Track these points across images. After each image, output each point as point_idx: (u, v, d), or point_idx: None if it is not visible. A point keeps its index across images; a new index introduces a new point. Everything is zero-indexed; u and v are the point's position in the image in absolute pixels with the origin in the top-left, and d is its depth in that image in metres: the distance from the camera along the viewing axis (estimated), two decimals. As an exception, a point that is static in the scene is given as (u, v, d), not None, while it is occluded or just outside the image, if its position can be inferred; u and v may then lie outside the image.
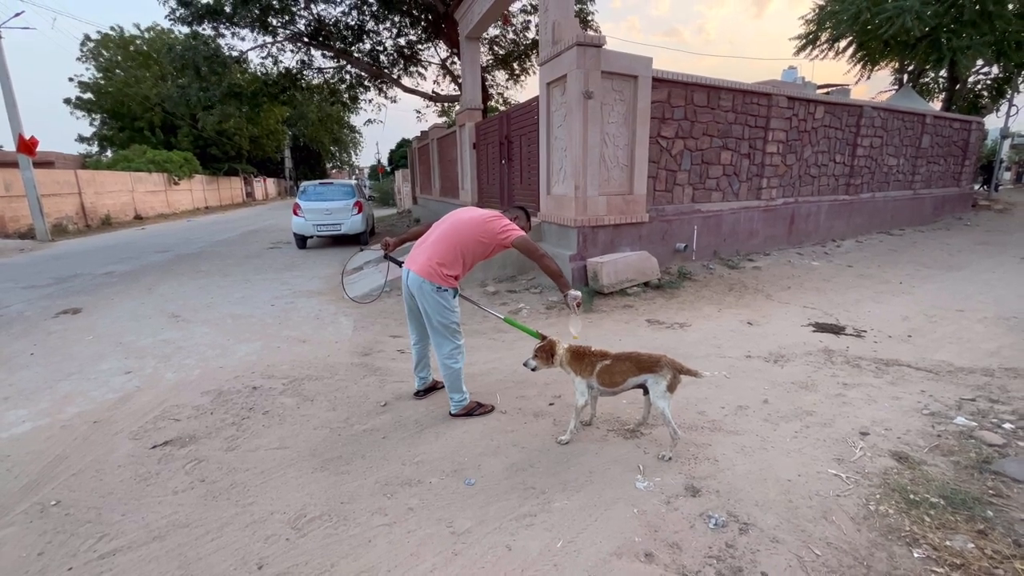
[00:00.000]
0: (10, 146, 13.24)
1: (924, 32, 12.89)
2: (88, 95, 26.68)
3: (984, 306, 5.15)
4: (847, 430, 2.72)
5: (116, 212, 17.71)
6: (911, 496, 2.12)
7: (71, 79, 26.51)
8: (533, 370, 2.69)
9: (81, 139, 28.50)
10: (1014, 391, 3.13)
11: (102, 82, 26.43)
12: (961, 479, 2.23)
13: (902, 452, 2.47)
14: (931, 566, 1.75)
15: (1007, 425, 2.67)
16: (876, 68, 16.76)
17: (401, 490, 2.31)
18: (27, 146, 12.16)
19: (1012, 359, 3.72)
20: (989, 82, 18.03)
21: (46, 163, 17.66)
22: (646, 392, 2.52)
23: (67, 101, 26.86)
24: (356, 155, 52.25)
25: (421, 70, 16.34)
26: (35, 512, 2.22)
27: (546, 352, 2.65)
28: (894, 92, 16.62)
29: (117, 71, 26.58)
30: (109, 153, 25.96)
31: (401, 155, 35.83)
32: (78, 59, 26.63)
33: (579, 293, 2.83)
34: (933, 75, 17.74)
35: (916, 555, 1.81)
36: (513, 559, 1.87)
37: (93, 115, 27.46)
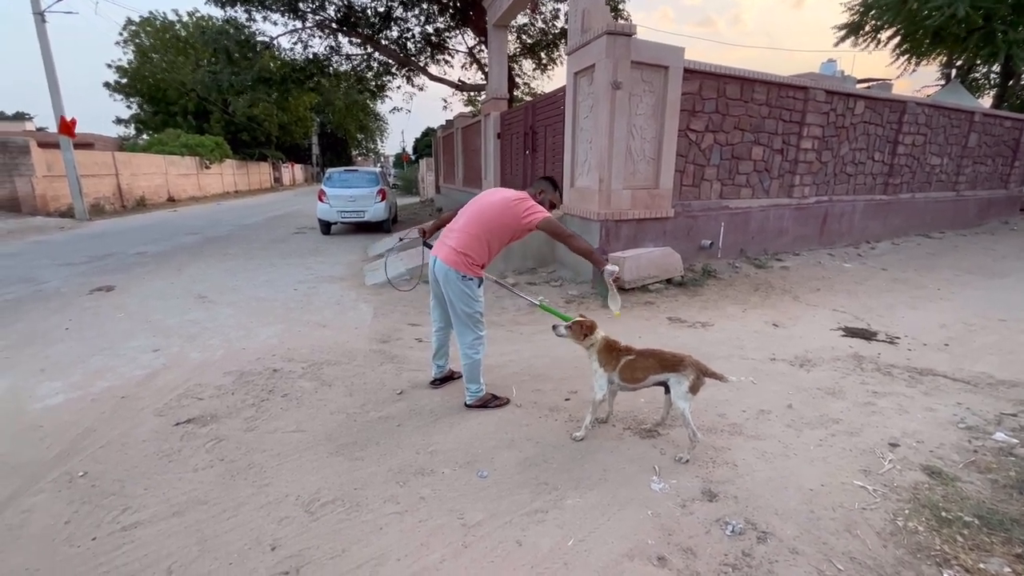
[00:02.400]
0: (54, 128, 13.73)
1: (977, 23, 12.18)
2: (125, 80, 27.50)
3: (1029, 316, 4.88)
4: (876, 440, 2.61)
5: (150, 194, 18.26)
6: (943, 514, 2.02)
7: (108, 65, 27.38)
8: (559, 336, 2.64)
9: (118, 120, 29.48)
10: (1060, 407, 2.95)
11: (139, 67, 27.18)
12: (999, 498, 2.11)
13: (935, 467, 2.36)
14: (962, 589, 1.67)
15: (1051, 443, 2.52)
16: (922, 62, 15.96)
17: (414, 479, 2.31)
18: (68, 128, 12.59)
19: (1058, 373, 3.51)
20: (1046, 78, 16.97)
21: (86, 145, 18.30)
22: (667, 391, 2.47)
23: (106, 85, 27.77)
24: (382, 143, 52.75)
25: (448, 58, 16.28)
26: (64, 481, 2.30)
27: (584, 329, 2.58)
28: (940, 88, 15.83)
29: (154, 56, 27.29)
30: (145, 136, 26.77)
31: (426, 144, 35.93)
32: (116, 43, 27.46)
33: (616, 268, 2.73)
34: (985, 70, 16.80)
35: (946, 576, 1.72)
36: (523, 555, 1.85)
37: (130, 99, 28.33)
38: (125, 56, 27.59)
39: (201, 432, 2.73)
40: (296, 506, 2.12)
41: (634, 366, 2.47)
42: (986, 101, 16.37)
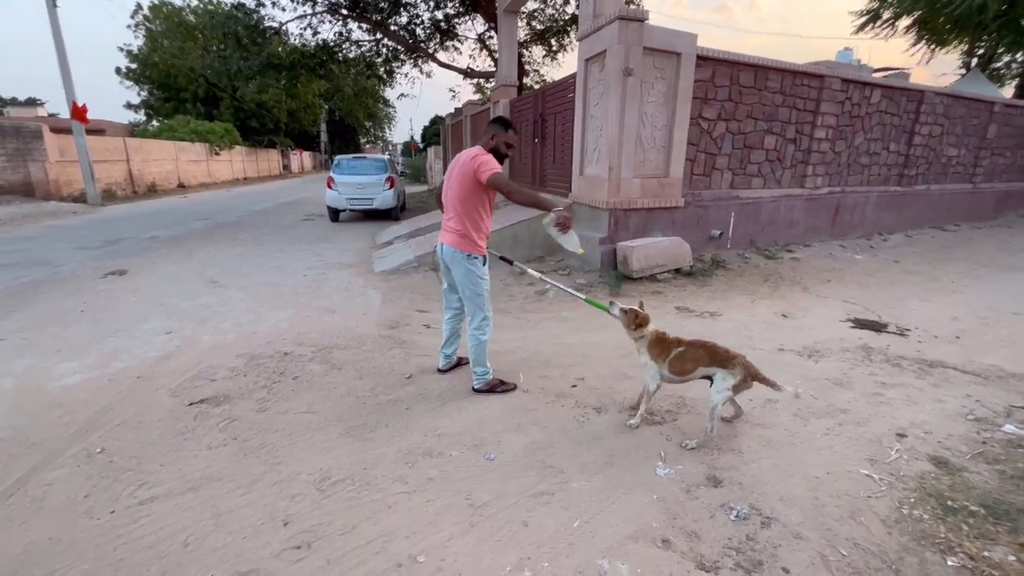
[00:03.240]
0: (66, 114, 13.83)
1: (1000, 10, 11.84)
2: (135, 65, 27.57)
3: (1044, 310, 4.81)
4: (883, 430, 2.61)
5: (161, 180, 18.40)
6: (949, 503, 2.03)
7: (120, 48, 27.44)
8: (613, 316, 2.64)
9: (129, 106, 29.61)
10: (1072, 401, 2.93)
11: (149, 53, 27.23)
12: (1006, 489, 2.11)
13: (942, 457, 2.36)
14: (966, 576, 1.68)
15: (1061, 436, 2.51)
16: (942, 50, 15.57)
17: (422, 460, 2.35)
18: (80, 113, 12.68)
19: (1072, 367, 3.47)
20: (1071, 68, 16.50)
21: (98, 130, 18.44)
22: (712, 384, 2.45)
23: (117, 71, 27.87)
24: (390, 131, 52.57)
25: (457, 44, 16.14)
26: (82, 457, 2.36)
27: (636, 319, 2.55)
28: (960, 77, 15.45)
29: (164, 41, 27.31)
30: (155, 123, 26.90)
31: (434, 132, 35.76)
32: (127, 27, 27.48)
33: (560, 209, 2.60)
34: (1007, 59, 16.35)
35: (950, 563, 1.73)
36: (529, 534, 1.89)
37: (141, 85, 28.43)
38: (136, 41, 27.66)
39: (214, 412, 2.79)
40: (308, 484, 2.17)
41: (684, 357, 2.45)
42: (1008, 91, 15.96)
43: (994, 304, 5.02)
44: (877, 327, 4.32)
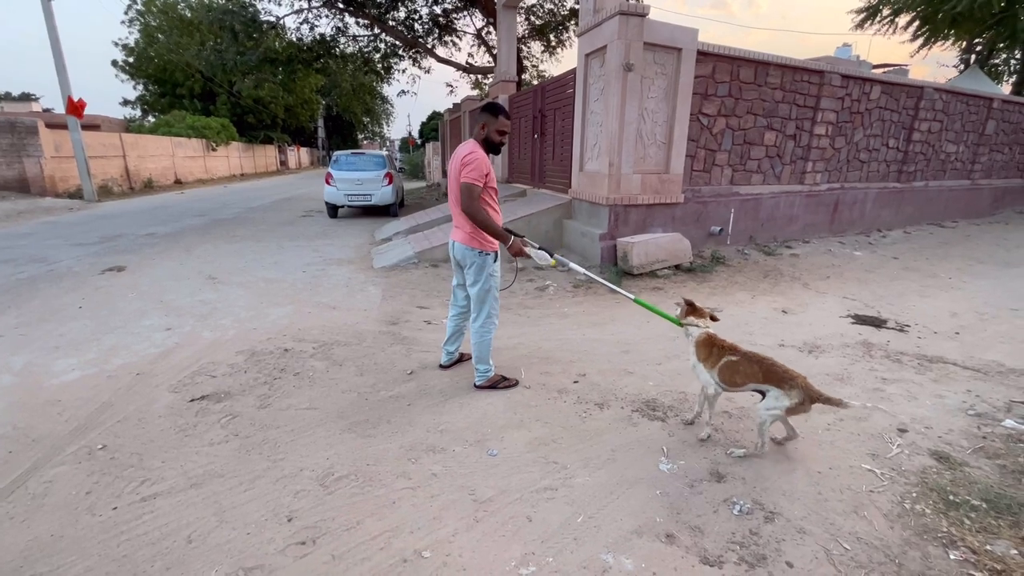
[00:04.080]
0: (61, 109, 13.71)
1: (1000, 8, 11.85)
2: (132, 59, 27.35)
3: (1042, 306, 4.83)
4: (884, 426, 2.62)
5: (157, 176, 18.29)
6: (951, 497, 2.04)
7: (115, 43, 27.19)
8: (676, 304, 2.63)
9: (125, 102, 29.37)
10: (1071, 396, 2.94)
11: (144, 47, 27.00)
12: (1007, 483, 2.12)
13: (943, 452, 2.37)
14: (968, 569, 1.69)
15: (1061, 431, 2.52)
16: (940, 47, 15.57)
17: (425, 456, 2.35)
18: (75, 108, 12.57)
19: (1070, 363, 3.49)
20: (1068, 65, 16.53)
21: (93, 126, 18.29)
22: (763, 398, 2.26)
23: (114, 63, 27.64)
24: (388, 127, 52.36)
25: (456, 39, 16.09)
26: (83, 454, 2.35)
27: (689, 310, 2.54)
28: (958, 73, 15.46)
29: (159, 36, 27.08)
30: (151, 118, 26.70)
31: (432, 128, 35.62)
32: (122, 22, 27.21)
33: (519, 241, 2.73)
34: (1005, 56, 16.37)
35: (952, 557, 1.74)
36: (533, 530, 1.89)
37: (137, 80, 28.21)
38: (131, 35, 27.41)
39: (215, 408, 2.78)
40: (311, 480, 2.16)
41: (735, 368, 2.28)
42: (1006, 88, 15.98)
43: (992, 300, 5.04)
44: (877, 323, 4.33)
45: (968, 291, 5.43)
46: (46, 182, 13.11)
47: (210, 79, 25.64)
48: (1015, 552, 1.74)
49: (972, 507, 1.98)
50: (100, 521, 1.93)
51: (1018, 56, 15.55)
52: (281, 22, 13.90)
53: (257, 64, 13.68)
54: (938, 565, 1.71)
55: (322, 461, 2.30)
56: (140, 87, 28.70)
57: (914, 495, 2.07)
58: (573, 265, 3.14)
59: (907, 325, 4.28)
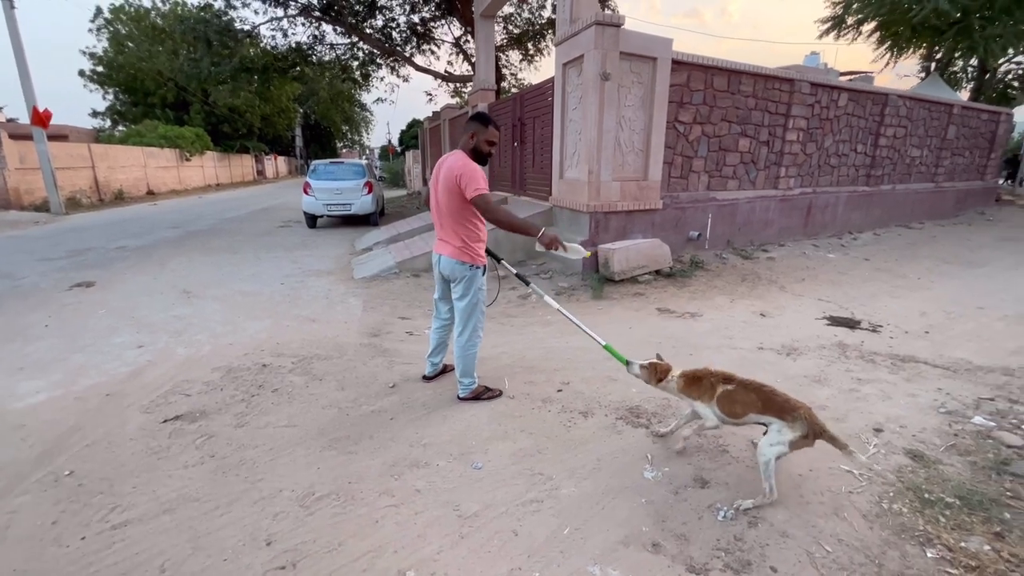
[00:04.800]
0: (25, 119, 13.27)
1: (956, 17, 12.39)
2: (101, 68, 26.64)
3: (1005, 304, 5.02)
4: (860, 426, 2.67)
5: (129, 187, 17.80)
6: (926, 495, 2.08)
7: (83, 51, 26.48)
8: (633, 375, 2.42)
9: (95, 113, 28.57)
10: (1034, 392, 3.05)
11: (114, 55, 26.34)
12: (978, 480, 2.19)
13: (917, 450, 2.43)
14: (945, 567, 1.72)
15: (1027, 426, 2.61)
16: (903, 55, 16.20)
17: (408, 472, 2.31)
18: (41, 119, 12.18)
19: (1033, 359, 3.62)
20: (1021, 72, 17.37)
21: (60, 136, 17.74)
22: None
23: (81, 73, 26.89)
24: (367, 135, 52.01)
25: (434, 48, 16.13)
26: (49, 481, 2.25)
27: (658, 372, 2.33)
28: (920, 81, 16.09)
29: (129, 44, 26.47)
30: (121, 128, 26.01)
31: (412, 136, 35.54)
32: (89, 30, 26.50)
33: (549, 233, 2.60)
34: (962, 64, 17.11)
35: (930, 555, 1.78)
36: (519, 544, 1.87)
37: (106, 89, 27.48)
38: (100, 43, 26.72)
39: (190, 429, 2.69)
40: (290, 501, 2.11)
41: (732, 399, 2.15)
42: (964, 94, 16.69)
43: (959, 299, 5.22)
44: (851, 324, 4.44)
45: (936, 291, 5.62)
46: (10, 195, 12.65)
47: (183, 88, 25.14)
48: (988, 548, 1.79)
49: (946, 504, 2.03)
50: (67, 552, 1.84)
51: (974, 64, 16.26)
52: (256, 31, 13.73)
53: (232, 73, 13.46)
54: (916, 564, 1.75)
55: (302, 481, 2.24)
56: (110, 97, 27.97)
57: (891, 494, 2.11)
58: (548, 299, 3.07)
59: (880, 325, 4.41)
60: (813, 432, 1.98)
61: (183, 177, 22.34)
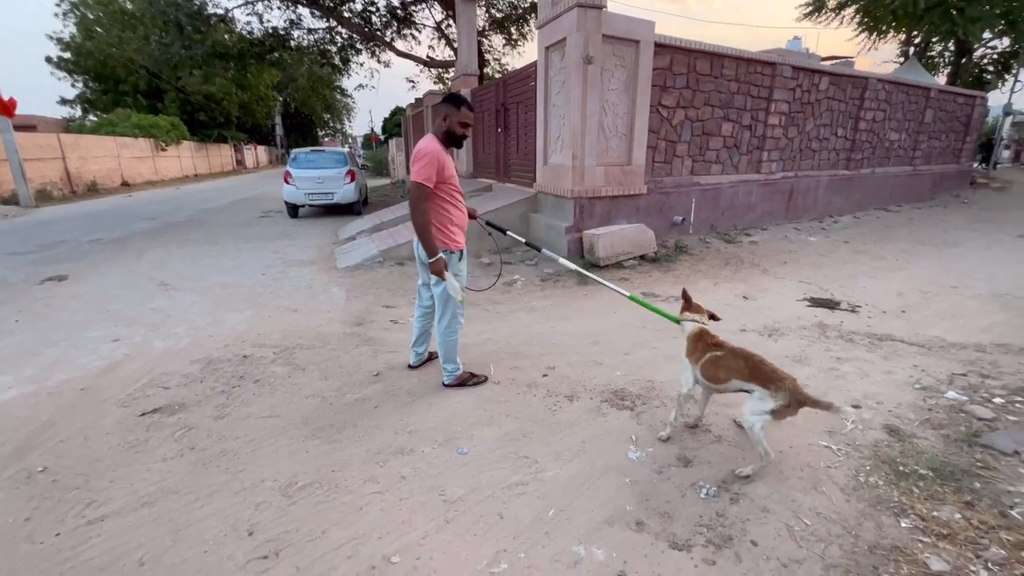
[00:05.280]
0: (-12, 107, 12.72)
1: (934, 2, 12.51)
2: (68, 55, 25.60)
3: (978, 283, 5.15)
4: (839, 403, 2.72)
5: (102, 178, 17.25)
6: (901, 468, 2.14)
7: (50, 37, 25.39)
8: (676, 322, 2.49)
9: (63, 101, 27.50)
10: (1004, 366, 3.14)
11: (82, 41, 25.31)
12: (950, 452, 2.25)
13: (893, 425, 2.48)
14: (918, 536, 1.77)
15: (997, 400, 2.69)
16: (882, 39, 16.35)
17: (393, 459, 2.30)
18: (6, 107, 11.69)
19: (1003, 335, 3.73)
20: (996, 56, 17.67)
21: (28, 127, 17.10)
22: None
23: (48, 60, 25.80)
24: (349, 123, 51.01)
25: (415, 33, 15.81)
26: (22, 478, 2.19)
27: (686, 304, 2.47)
28: (899, 65, 16.28)
29: (98, 29, 25.44)
30: (92, 117, 25.10)
31: (395, 124, 35.00)
32: (55, 15, 25.40)
33: (442, 262, 2.58)
34: (940, 48, 17.34)
35: (904, 525, 1.83)
36: (505, 527, 1.87)
37: (75, 77, 26.44)
38: (66, 28, 25.62)
39: (169, 421, 2.64)
40: (273, 491, 2.08)
41: (718, 363, 2.17)
42: (941, 78, 16.93)
43: (935, 279, 5.34)
44: (831, 305, 4.52)
45: (912, 271, 5.74)
46: (-25, 187, 12.17)
47: (156, 75, 24.32)
48: (959, 516, 1.84)
49: (920, 476, 2.08)
50: (41, 549, 1.80)
51: (952, 49, 16.48)
52: (230, 14, 13.30)
53: (206, 59, 13.03)
54: (891, 533, 1.79)
55: (284, 470, 2.22)
56: (79, 84, 26.92)
57: (868, 468, 2.16)
58: (563, 261, 3.21)
59: (858, 306, 4.49)
60: (796, 402, 1.99)
61: (159, 168, 21.73)
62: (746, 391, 2.12)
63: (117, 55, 24.45)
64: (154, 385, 3.05)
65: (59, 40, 25.49)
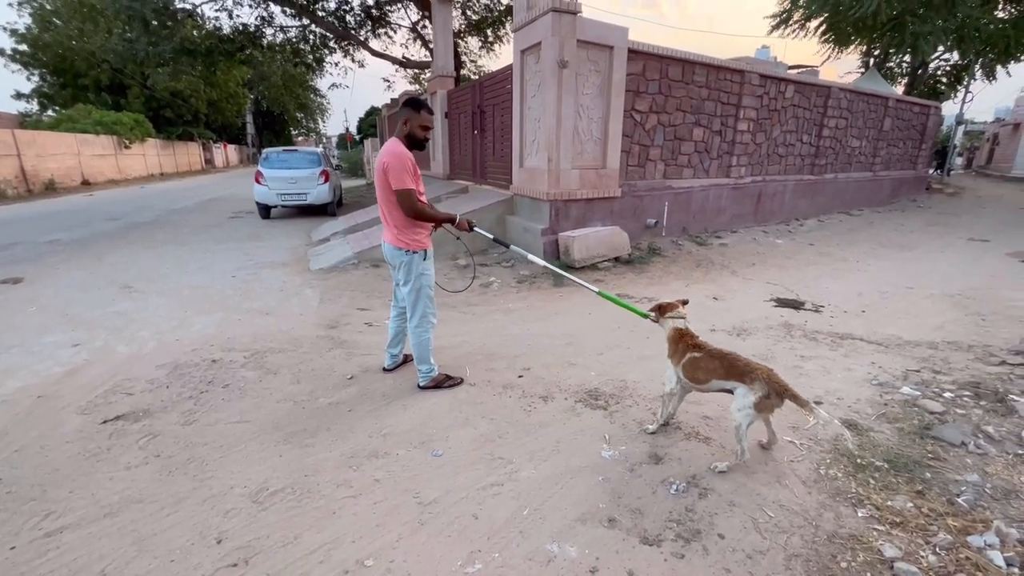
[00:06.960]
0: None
1: (891, 15, 13.10)
2: (24, 47, 24.41)
3: (932, 283, 5.43)
4: (813, 403, 2.83)
5: (61, 176, 16.52)
6: (858, 461, 2.24)
7: (4, 28, 24.17)
8: (651, 320, 2.55)
9: (19, 95, 26.18)
10: (955, 363, 3.32)
11: (39, 33, 24.17)
12: (904, 444, 2.37)
13: (852, 420, 2.60)
14: (873, 524, 1.86)
15: (947, 394, 2.84)
16: (845, 51, 17.03)
17: (367, 462, 2.28)
18: (-46, 101, 11.09)
19: (954, 333, 3.94)
20: (948, 68, 18.62)
21: (-22, 121, 16.23)
22: None
23: (1, 52, 24.54)
24: (323, 122, 50.10)
25: (390, 32, 15.68)
26: (-28, 491, 2.09)
27: (660, 310, 2.50)
28: (860, 75, 16.98)
29: (56, 21, 24.34)
30: (50, 113, 24.00)
31: (370, 124, 34.58)
32: (9, 4, 24.19)
33: (460, 220, 2.88)
34: (898, 59, 18.16)
35: (860, 514, 1.92)
36: (479, 527, 1.89)
37: (31, 70, 25.21)
38: (21, 19, 24.43)
39: (133, 428, 2.56)
40: (242, 497, 2.04)
41: (696, 365, 2.25)
42: (899, 88, 17.75)
43: (892, 280, 5.60)
44: (796, 305, 4.69)
45: (872, 272, 6.00)
46: (-80, 185, 11.49)
47: (119, 70, 23.41)
48: (911, 505, 1.95)
49: (876, 468, 2.19)
50: (-6, 564, 1.72)
51: (908, 60, 17.28)
52: (198, 9, 12.93)
53: (173, 55, 12.62)
54: (848, 523, 1.88)
55: (255, 476, 2.18)
56: (36, 78, 25.69)
57: (828, 461, 2.26)
58: (533, 257, 3.26)
59: (822, 306, 4.67)
60: (775, 391, 2.04)
61: (122, 166, 20.92)
62: (728, 391, 2.20)
63: (77, 48, 23.45)
64: (117, 391, 2.94)
65: (14, 32, 24.28)
